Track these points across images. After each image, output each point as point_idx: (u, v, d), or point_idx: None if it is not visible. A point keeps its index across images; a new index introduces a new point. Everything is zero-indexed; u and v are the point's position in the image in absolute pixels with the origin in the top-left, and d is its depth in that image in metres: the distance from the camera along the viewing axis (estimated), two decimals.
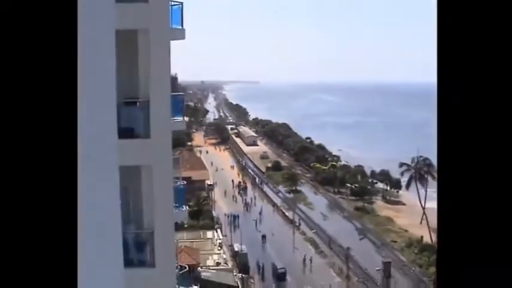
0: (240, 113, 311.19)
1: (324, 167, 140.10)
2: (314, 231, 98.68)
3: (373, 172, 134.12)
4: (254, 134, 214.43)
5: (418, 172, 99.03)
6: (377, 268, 73.71)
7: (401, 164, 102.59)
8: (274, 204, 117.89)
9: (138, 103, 19.02)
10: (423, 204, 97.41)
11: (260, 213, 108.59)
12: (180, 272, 21.06)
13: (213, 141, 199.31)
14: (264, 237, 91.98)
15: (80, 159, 7.36)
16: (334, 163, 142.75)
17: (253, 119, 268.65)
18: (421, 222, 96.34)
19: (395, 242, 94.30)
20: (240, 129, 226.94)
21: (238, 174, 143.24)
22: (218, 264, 74.45)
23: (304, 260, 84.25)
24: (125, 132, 17.07)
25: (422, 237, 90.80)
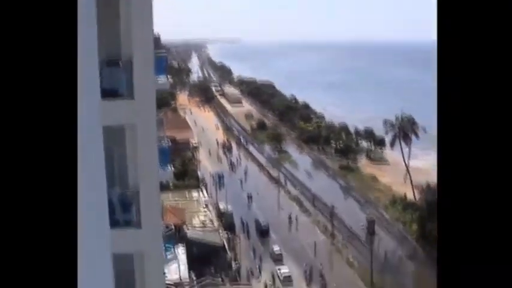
0: (224, 72, 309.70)
1: (309, 126, 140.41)
2: (299, 189, 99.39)
3: (357, 131, 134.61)
4: (239, 94, 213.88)
5: (402, 130, 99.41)
6: (361, 226, 74.53)
7: (385, 122, 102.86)
8: (259, 164, 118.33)
9: (120, 63, 18.84)
10: (407, 163, 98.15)
11: (245, 172, 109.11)
12: (166, 232, 21.17)
13: (198, 101, 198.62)
14: (249, 197, 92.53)
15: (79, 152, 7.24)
16: (318, 122, 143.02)
17: (238, 79, 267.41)
18: (404, 181, 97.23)
19: (379, 199, 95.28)
20: (225, 89, 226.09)
21: (223, 134, 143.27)
22: (204, 223, 74.94)
23: (290, 218, 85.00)
24: (108, 93, 16.93)
25: (405, 195, 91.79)
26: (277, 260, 72.02)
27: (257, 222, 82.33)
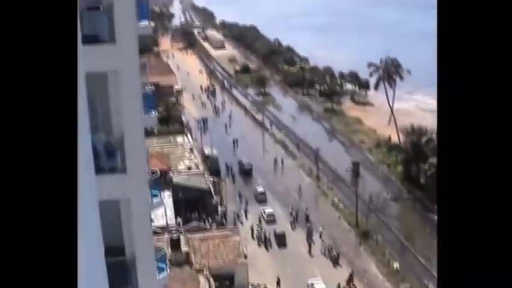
0: (206, 16, 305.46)
1: (293, 69, 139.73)
2: (284, 133, 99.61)
3: (341, 73, 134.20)
4: (222, 38, 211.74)
5: (386, 73, 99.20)
6: (346, 168, 75.07)
7: (370, 65, 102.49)
8: (243, 108, 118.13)
9: (101, 7, 18.43)
10: (391, 105, 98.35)
11: (230, 116, 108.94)
12: (152, 178, 21.14)
13: (180, 45, 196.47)
14: (235, 141, 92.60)
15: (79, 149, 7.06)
16: (302, 65, 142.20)
17: (220, 22, 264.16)
18: (389, 123, 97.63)
19: (364, 142, 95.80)
20: (208, 33, 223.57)
21: (207, 79, 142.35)
22: (189, 168, 75.05)
23: (275, 161, 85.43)
24: (89, 39, 16.59)
25: (390, 137, 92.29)
26: (261, 200, 73.11)
27: (240, 163, 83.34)
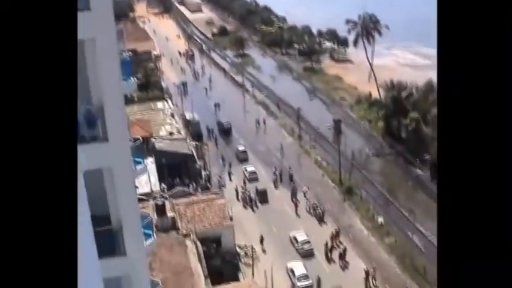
0: None
1: (271, 29, 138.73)
2: (264, 93, 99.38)
3: (320, 32, 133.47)
4: (198, 0, 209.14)
5: (365, 29, 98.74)
6: (328, 126, 75.25)
7: (348, 22, 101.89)
8: (223, 70, 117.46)
9: None
10: (371, 61, 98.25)
11: (210, 80, 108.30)
12: (134, 145, 21.04)
13: (156, 10, 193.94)
14: (216, 105, 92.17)
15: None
16: (280, 24, 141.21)
17: None
18: (369, 79, 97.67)
19: (345, 99, 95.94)
20: None
21: (185, 43, 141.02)
22: (171, 134, 74.89)
23: (257, 122, 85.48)
24: None
25: (370, 93, 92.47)
26: (243, 159, 73.72)
27: (219, 123, 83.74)
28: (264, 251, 54.52)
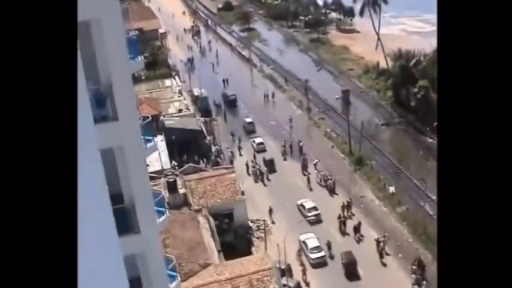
0: None
1: (276, 2, 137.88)
2: (272, 67, 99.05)
3: (325, 2, 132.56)
4: None
5: None
6: (336, 97, 75.04)
7: None
8: (229, 45, 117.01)
9: None
10: (377, 30, 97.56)
11: (216, 55, 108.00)
12: (144, 123, 21.14)
13: None
14: (224, 80, 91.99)
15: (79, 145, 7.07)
16: None
17: None
18: (376, 48, 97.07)
19: (352, 69, 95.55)
20: None
21: (190, 19, 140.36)
22: (180, 111, 74.96)
23: (265, 96, 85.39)
24: None
25: (378, 62, 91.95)
26: (251, 131, 74.02)
27: (224, 95, 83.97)
28: (275, 223, 54.78)
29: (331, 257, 50.07)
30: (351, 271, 48.24)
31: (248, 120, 76.40)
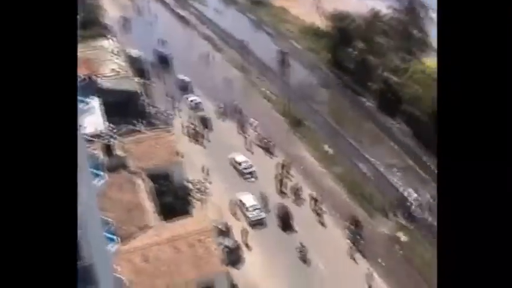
0: None
1: None
2: (210, 28, 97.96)
3: None
4: None
5: None
6: (275, 58, 75.00)
7: None
8: (167, 5, 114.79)
9: None
10: None
11: (154, 15, 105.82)
12: (79, 84, 20.65)
13: None
14: (159, 40, 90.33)
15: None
16: None
17: None
18: (315, 11, 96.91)
19: (291, 31, 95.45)
20: None
21: None
22: (116, 72, 73.39)
23: (203, 57, 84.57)
24: None
25: (316, 24, 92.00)
26: (186, 89, 73.70)
27: (160, 55, 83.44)
28: (212, 183, 54.75)
29: (267, 212, 50.78)
30: (285, 223, 49.14)
31: (183, 78, 75.62)
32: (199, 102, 70.02)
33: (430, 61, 65.30)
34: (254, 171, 56.13)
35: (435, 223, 49.44)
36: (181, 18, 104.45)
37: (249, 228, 48.89)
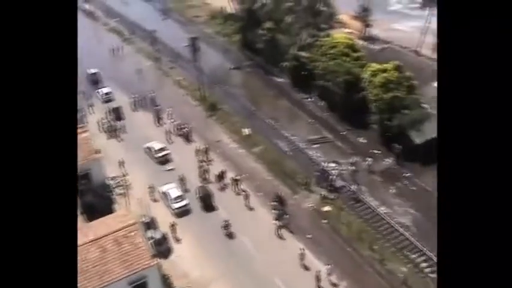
0: None
1: None
2: (116, 20, 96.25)
3: None
4: None
5: None
6: (184, 45, 74.32)
7: None
8: None
9: None
10: None
11: None
12: None
13: None
14: None
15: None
16: None
17: None
18: None
19: (199, 16, 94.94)
20: None
21: None
22: None
23: (112, 50, 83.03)
24: None
25: (224, 8, 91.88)
26: (96, 82, 72.92)
27: None
28: (131, 176, 53.86)
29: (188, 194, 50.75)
30: (207, 204, 49.27)
31: (92, 71, 74.05)
32: (110, 92, 69.02)
33: (339, 35, 66.43)
34: (171, 156, 55.87)
35: (355, 189, 50.72)
36: (87, 12, 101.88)
37: (175, 219, 48.34)
